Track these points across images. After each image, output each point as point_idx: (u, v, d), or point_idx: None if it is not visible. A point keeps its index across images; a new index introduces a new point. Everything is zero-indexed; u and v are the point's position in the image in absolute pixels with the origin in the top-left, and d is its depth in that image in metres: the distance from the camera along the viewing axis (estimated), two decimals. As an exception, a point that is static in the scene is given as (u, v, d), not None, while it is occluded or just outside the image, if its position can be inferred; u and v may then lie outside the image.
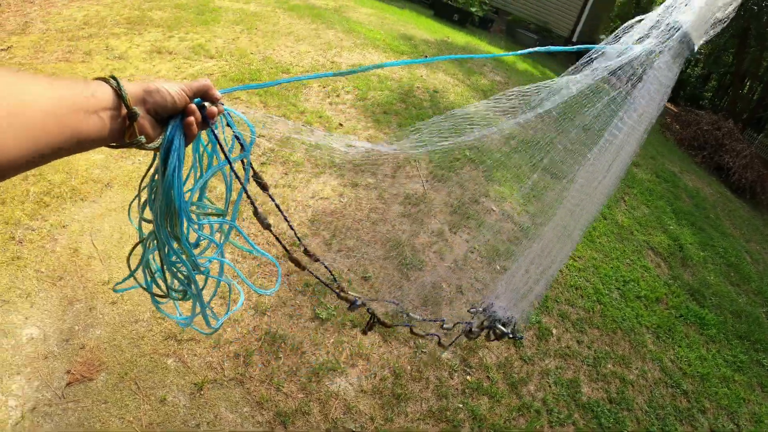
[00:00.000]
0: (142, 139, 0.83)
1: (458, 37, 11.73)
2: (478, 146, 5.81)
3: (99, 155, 4.16)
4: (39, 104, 0.66)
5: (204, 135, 1.05)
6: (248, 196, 1.09)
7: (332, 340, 3.11)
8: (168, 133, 0.88)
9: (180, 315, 1.33)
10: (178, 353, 2.80)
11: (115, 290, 1.16)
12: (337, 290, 1.23)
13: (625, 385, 3.60)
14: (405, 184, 4.74)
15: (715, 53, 20.55)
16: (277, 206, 1.21)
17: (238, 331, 3.00)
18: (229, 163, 1.02)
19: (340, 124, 5.41)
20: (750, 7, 17.30)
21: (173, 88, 0.87)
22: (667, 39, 1.05)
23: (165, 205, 0.93)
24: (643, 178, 7.06)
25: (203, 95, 0.93)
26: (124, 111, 0.80)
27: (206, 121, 0.94)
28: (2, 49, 6.17)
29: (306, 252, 1.26)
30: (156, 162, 0.94)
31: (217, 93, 0.95)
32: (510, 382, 3.27)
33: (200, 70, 6.03)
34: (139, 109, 0.82)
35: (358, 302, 1.27)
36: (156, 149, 0.88)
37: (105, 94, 0.77)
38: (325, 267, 1.28)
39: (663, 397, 3.68)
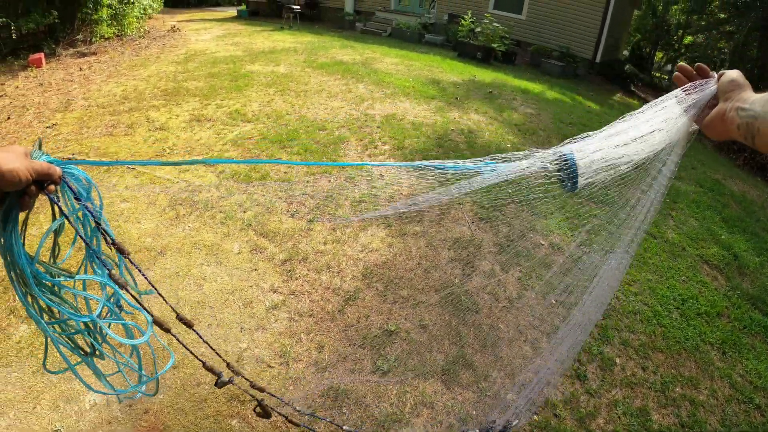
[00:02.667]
0: None
1: (485, 75, 11.80)
2: (518, 182, 5.73)
3: (150, 223, 4.23)
4: None
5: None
6: (98, 258, 1.08)
7: (395, 391, 3.02)
8: (6, 204, 0.90)
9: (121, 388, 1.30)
10: (242, 414, 2.75)
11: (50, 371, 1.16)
12: (203, 361, 1.19)
13: (695, 407, 3.40)
14: (452, 228, 4.69)
15: (738, 50, 20.16)
16: (139, 270, 1.17)
17: (300, 388, 2.94)
18: (67, 218, 1.04)
19: (381, 175, 5.40)
20: None
21: (21, 171, 0.84)
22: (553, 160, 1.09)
23: (12, 270, 0.95)
24: (688, 190, 6.86)
25: (47, 177, 0.92)
26: None
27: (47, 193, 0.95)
28: (48, 126, 6.40)
29: (180, 319, 1.20)
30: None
31: (57, 171, 0.95)
32: (578, 417, 3.12)
33: (239, 134, 6.14)
34: None
35: (223, 377, 1.24)
36: None
37: None
38: (199, 336, 1.26)
39: (736, 414, 3.46)
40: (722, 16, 21.27)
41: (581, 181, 1.05)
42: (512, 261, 4.35)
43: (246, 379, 1.19)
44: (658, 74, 31.34)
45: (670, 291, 4.55)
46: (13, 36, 10.77)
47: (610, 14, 15.83)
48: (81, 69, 9.78)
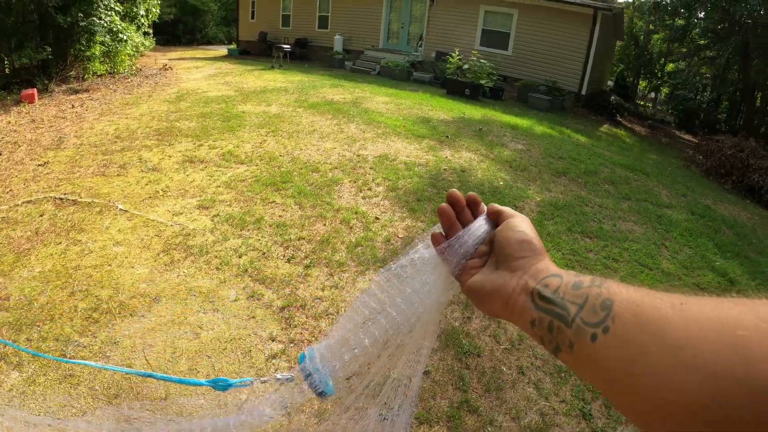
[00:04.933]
0: None
1: (473, 112, 11.95)
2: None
3: (144, 268, 4.19)
4: None
5: None
6: None
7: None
8: None
9: None
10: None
11: None
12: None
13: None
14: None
15: (720, 74, 20.60)
16: None
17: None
18: None
19: (377, 218, 5.42)
20: (744, 23, 17.55)
21: None
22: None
23: None
24: (679, 218, 6.93)
25: None
26: None
27: None
28: (39, 165, 6.38)
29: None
30: None
31: None
32: (585, 462, 3.09)
33: (232, 176, 6.16)
34: None
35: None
36: None
37: None
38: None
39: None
40: (703, 42, 21.82)
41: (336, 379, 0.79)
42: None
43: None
44: (642, 103, 31.96)
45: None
46: (6, 70, 10.83)
47: (594, 47, 16.23)
48: (73, 106, 9.81)
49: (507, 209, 0.72)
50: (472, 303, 0.70)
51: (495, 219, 0.72)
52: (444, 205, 0.75)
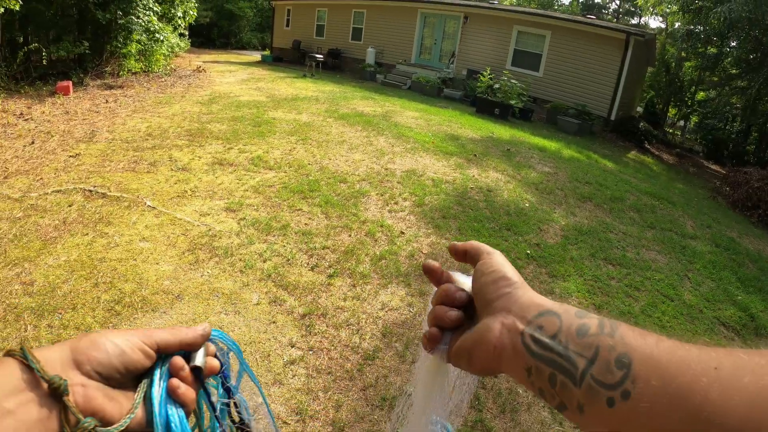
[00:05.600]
0: (90, 422, 0.50)
1: (502, 132, 11.92)
2: (538, 242, 5.72)
3: (168, 266, 4.20)
4: None
5: None
6: None
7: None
8: (158, 410, 0.55)
9: None
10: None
11: None
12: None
13: None
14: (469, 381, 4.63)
15: (750, 104, 20.29)
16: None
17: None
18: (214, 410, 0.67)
19: (402, 233, 5.39)
20: None
21: (119, 338, 0.56)
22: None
23: None
24: (704, 250, 6.80)
25: (178, 348, 0.61)
26: (45, 386, 0.49)
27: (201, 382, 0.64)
28: (71, 156, 6.44)
29: None
30: None
31: (194, 335, 0.62)
32: None
33: (260, 181, 6.17)
34: (70, 376, 0.52)
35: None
36: None
37: (5, 375, 0.49)
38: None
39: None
40: (734, 71, 21.55)
41: None
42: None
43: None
44: (671, 130, 31.62)
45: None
46: (44, 62, 11.01)
47: (626, 72, 16.17)
48: (107, 101, 9.94)
49: (472, 244, 0.63)
50: (463, 368, 0.60)
51: (464, 259, 0.64)
52: (428, 263, 0.68)
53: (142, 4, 12.54)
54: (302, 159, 7.17)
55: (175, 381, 0.58)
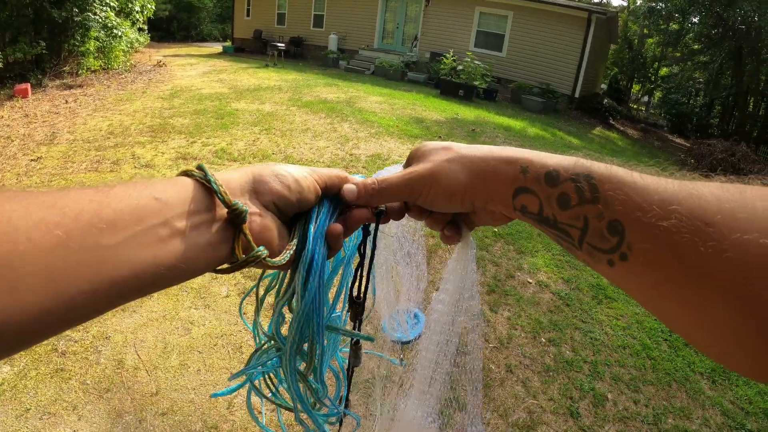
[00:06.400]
0: (263, 251, 0.50)
1: (467, 112, 12.02)
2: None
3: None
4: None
5: None
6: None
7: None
8: (310, 241, 0.56)
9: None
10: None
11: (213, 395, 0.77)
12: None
13: (689, 438, 3.45)
14: (440, 269, 4.73)
15: (713, 78, 20.73)
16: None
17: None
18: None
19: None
20: (738, 28, 17.69)
21: (298, 172, 0.57)
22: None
23: (298, 339, 0.61)
24: None
25: (339, 189, 0.62)
26: (223, 211, 0.49)
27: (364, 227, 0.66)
28: (32, 160, 6.38)
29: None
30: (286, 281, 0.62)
31: (356, 181, 0.63)
32: (571, 461, 3.15)
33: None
34: (249, 204, 0.52)
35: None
36: (283, 267, 0.55)
37: (179, 192, 0.47)
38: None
39: (729, 440, 3.51)
40: (696, 47, 21.91)
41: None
42: (501, 301, 4.39)
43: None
44: (635, 106, 32.06)
45: (658, 323, 4.60)
46: (0, 65, 10.78)
47: (588, 50, 16.36)
48: (67, 101, 9.81)
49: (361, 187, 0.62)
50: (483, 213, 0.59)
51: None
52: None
53: (99, 0, 12.33)
54: (266, 149, 7.19)
55: (338, 226, 0.59)
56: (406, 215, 0.64)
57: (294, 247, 0.55)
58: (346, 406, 0.82)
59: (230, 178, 0.52)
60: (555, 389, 3.46)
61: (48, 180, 5.75)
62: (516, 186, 0.51)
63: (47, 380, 2.99)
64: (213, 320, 3.68)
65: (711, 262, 0.38)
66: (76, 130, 7.79)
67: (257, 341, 0.78)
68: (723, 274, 0.37)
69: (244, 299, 0.97)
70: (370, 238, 0.66)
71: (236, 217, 0.48)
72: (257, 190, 0.53)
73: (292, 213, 0.57)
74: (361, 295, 0.70)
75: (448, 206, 0.59)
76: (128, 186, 0.44)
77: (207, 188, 0.49)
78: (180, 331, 3.56)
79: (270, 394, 0.79)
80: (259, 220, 0.52)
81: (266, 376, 0.78)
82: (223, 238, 0.49)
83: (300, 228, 0.58)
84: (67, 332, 3.37)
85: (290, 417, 0.76)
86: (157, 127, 7.98)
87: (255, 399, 0.81)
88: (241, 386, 0.78)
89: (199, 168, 0.50)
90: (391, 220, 0.65)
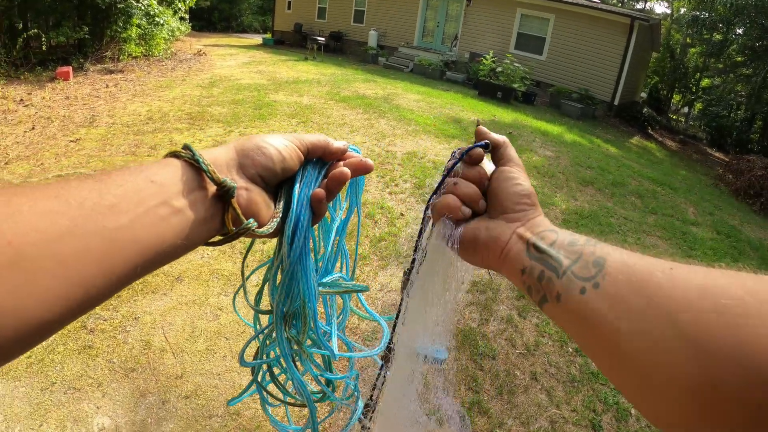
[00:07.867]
0: (252, 223, 0.55)
1: (504, 115, 11.86)
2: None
3: (167, 250, 4.19)
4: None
5: None
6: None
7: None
8: (294, 206, 0.59)
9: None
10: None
11: (229, 403, 0.87)
12: None
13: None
14: (469, 270, 4.62)
15: (755, 92, 20.13)
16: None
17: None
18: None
19: (402, 214, 5.38)
20: None
21: (279, 143, 0.60)
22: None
23: (286, 303, 0.64)
24: (705, 237, 6.78)
25: (321, 154, 0.65)
26: (213, 188, 0.53)
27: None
28: (72, 141, 6.43)
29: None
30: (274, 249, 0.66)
31: (337, 145, 0.66)
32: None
33: (261, 163, 6.15)
34: (236, 179, 0.56)
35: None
36: (270, 235, 0.59)
37: (173, 174, 0.50)
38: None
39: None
40: (739, 59, 21.39)
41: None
42: (529, 307, 4.28)
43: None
44: (674, 117, 31.42)
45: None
46: (44, 47, 10.97)
47: (629, 57, 16.03)
48: (107, 86, 9.92)
49: (507, 143, 0.68)
50: (463, 256, 0.64)
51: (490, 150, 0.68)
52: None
53: (142, -12, 12.48)
54: (303, 142, 7.15)
55: (321, 191, 0.62)
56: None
57: (280, 215, 0.59)
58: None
59: (217, 156, 0.56)
60: (579, 400, 3.36)
61: (86, 161, 5.79)
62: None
63: (74, 356, 3.00)
64: (242, 308, 3.64)
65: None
66: (115, 114, 7.85)
67: (257, 327, 0.80)
68: None
69: (236, 293, 0.96)
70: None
71: (225, 194, 0.52)
72: (243, 164, 0.57)
73: (277, 181, 0.61)
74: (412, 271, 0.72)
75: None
76: (124, 172, 0.47)
77: (196, 167, 0.51)
78: (209, 316, 3.53)
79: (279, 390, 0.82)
80: (245, 194, 0.56)
81: (271, 370, 0.80)
82: (214, 213, 0.53)
83: (284, 194, 0.61)
84: (97, 310, 3.37)
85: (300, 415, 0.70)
86: (196, 115, 8.01)
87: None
88: (252, 393, 0.83)
89: (187, 148, 0.53)
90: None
